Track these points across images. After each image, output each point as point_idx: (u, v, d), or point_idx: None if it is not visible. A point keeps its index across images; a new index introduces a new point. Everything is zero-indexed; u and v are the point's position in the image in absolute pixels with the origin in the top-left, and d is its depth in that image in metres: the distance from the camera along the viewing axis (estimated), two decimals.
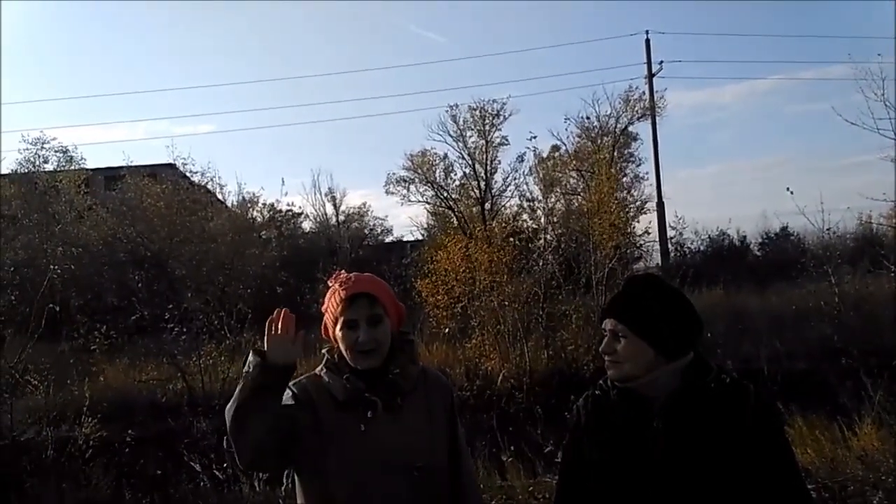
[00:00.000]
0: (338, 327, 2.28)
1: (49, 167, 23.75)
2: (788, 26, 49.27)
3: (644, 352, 2.11)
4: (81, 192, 21.72)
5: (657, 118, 26.19)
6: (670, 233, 25.66)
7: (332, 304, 2.31)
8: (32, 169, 23.28)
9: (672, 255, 25.52)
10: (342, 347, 2.29)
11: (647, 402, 2.11)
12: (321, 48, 57.25)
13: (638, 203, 25.99)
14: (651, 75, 26.50)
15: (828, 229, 14.87)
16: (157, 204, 18.50)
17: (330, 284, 2.36)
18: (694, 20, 50.76)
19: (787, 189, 13.51)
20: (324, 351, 2.39)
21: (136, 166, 21.73)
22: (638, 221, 24.63)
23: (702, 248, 27.15)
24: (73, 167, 24.01)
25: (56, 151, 24.37)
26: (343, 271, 2.41)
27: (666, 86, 30.82)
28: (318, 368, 2.35)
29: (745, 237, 27.69)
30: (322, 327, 2.38)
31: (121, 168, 21.93)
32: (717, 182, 50.33)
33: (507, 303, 12.67)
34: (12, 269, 11.33)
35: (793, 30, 52.14)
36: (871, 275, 15.37)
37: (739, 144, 51.21)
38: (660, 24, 59.10)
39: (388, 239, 30.70)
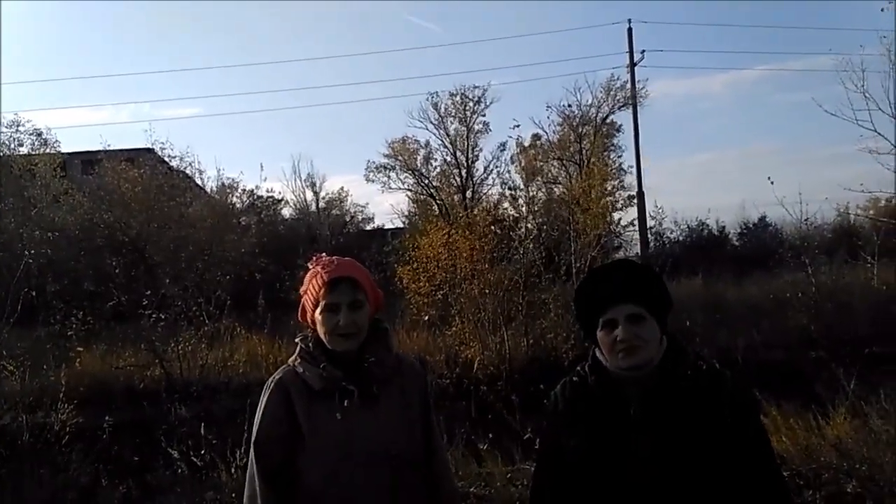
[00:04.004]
0: (318, 310, 2.27)
1: (24, 150, 23.46)
2: (776, 17, 49.60)
3: (657, 332, 2.13)
4: (58, 176, 21.45)
5: (639, 108, 26.29)
6: (650, 222, 25.85)
7: (312, 286, 2.30)
8: (7, 152, 22.96)
9: (651, 244, 25.67)
10: (321, 331, 2.28)
11: (625, 389, 2.12)
12: (305, 33, 56.86)
13: (628, 195, 26.19)
14: (633, 64, 26.57)
15: (805, 220, 15.04)
16: (134, 189, 18.31)
17: (310, 267, 2.34)
18: (679, 11, 50.74)
19: (768, 179, 13.68)
20: (297, 340, 2.38)
21: (113, 150, 21.48)
22: (625, 212, 24.85)
23: (681, 237, 27.37)
24: (47, 150, 23.73)
25: (30, 134, 24.12)
26: (324, 254, 2.39)
27: (650, 75, 31.03)
28: (292, 359, 2.34)
29: (724, 227, 27.98)
30: (300, 310, 2.37)
31: (98, 152, 21.68)
32: (701, 171, 50.77)
33: (487, 291, 12.69)
34: None
35: (780, 21, 52.49)
36: (848, 265, 15.56)
37: (725, 134, 51.71)
38: (644, 14, 59.06)
39: (369, 226, 30.64)
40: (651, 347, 2.10)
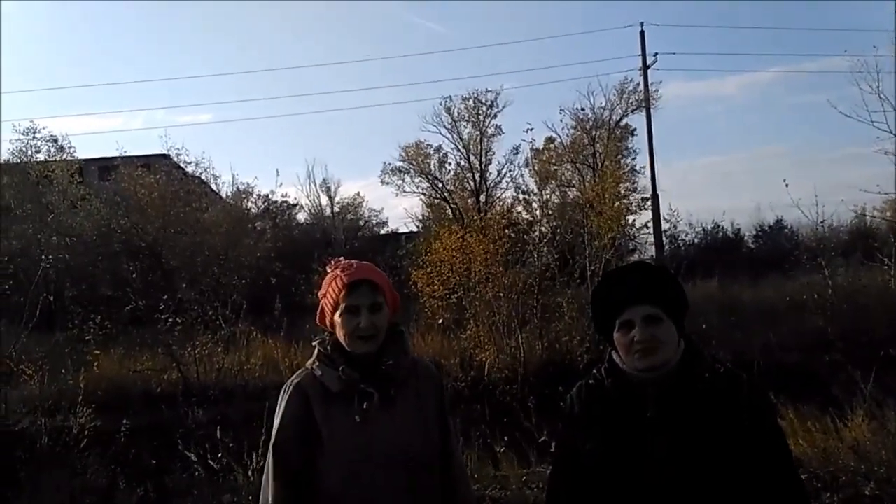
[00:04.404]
0: (338, 313, 2.28)
1: (40, 157, 23.68)
2: (790, 19, 49.36)
3: (675, 334, 2.12)
4: (75, 182, 21.64)
5: (652, 110, 26.22)
6: (664, 225, 25.75)
7: (332, 289, 2.31)
8: (25, 159, 23.18)
9: (666, 247, 25.56)
10: (341, 333, 2.29)
11: (641, 391, 2.11)
12: (309, 34, 57.08)
13: (642, 197, 26.11)
14: (646, 67, 26.49)
15: (822, 222, 14.95)
16: (150, 194, 18.45)
17: (329, 271, 2.36)
18: (692, 13, 50.53)
19: (784, 181, 13.63)
20: (314, 343, 2.39)
21: (129, 156, 21.65)
22: (640, 214, 24.78)
23: (696, 240, 27.23)
24: (63, 156, 23.92)
25: (46, 141, 24.32)
26: (342, 258, 2.41)
27: (664, 78, 30.94)
28: (310, 362, 2.36)
29: (739, 229, 27.83)
30: (318, 313, 2.39)
31: (114, 158, 21.85)
32: (714, 173, 50.51)
33: (502, 294, 12.69)
34: (6, 259, 11.27)
35: (794, 22, 52.21)
36: (865, 267, 15.43)
37: (737, 136, 51.42)
38: (656, 16, 58.94)
39: (384, 230, 30.68)
40: (668, 349, 2.09)
